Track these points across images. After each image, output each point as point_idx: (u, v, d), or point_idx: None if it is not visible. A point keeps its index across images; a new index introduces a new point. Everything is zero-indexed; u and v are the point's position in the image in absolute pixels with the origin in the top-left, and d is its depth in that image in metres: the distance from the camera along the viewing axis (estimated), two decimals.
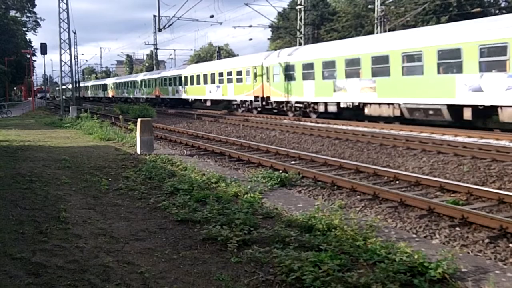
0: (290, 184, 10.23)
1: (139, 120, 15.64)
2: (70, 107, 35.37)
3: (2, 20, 60.82)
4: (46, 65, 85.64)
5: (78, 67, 72.71)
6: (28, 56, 62.02)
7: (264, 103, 33.47)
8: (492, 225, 7.07)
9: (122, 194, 9.09)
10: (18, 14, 71.51)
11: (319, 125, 24.67)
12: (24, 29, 73.01)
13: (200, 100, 44.82)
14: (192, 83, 45.28)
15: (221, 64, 41.92)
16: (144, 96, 59.09)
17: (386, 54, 22.98)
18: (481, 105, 18.57)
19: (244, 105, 36.47)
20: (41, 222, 7.08)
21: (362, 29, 52.52)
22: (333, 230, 6.15)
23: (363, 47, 24.89)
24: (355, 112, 26.46)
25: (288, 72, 30.38)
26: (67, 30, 37.76)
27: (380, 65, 23.26)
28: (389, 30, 37.94)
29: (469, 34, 18.98)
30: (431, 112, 20.94)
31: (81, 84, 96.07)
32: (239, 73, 36.59)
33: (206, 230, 6.38)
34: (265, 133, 21.86)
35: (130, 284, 4.83)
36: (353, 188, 9.79)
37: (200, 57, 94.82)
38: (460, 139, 17.19)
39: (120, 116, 26.38)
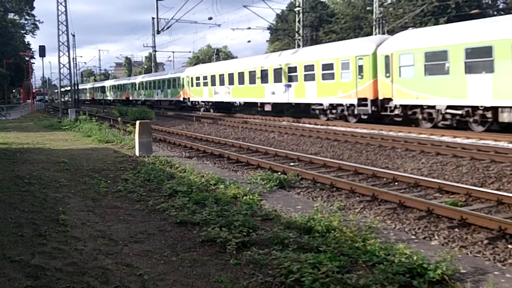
0: (289, 186, 10.24)
1: (138, 122, 15.62)
2: (69, 110, 35.34)
3: (1, 22, 60.78)
4: (44, 68, 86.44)
5: (76, 70, 72.65)
6: (27, 58, 61.91)
7: (375, 107, 23.73)
8: (491, 226, 7.08)
9: (121, 196, 9.09)
10: (16, 17, 71.50)
11: (318, 126, 24.69)
12: (22, 31, 73.01)
13: (255, 103, 34.95)
14: (241, 82, 35.79)
15: (294, 56, 30.44)
16: (170, 99, 51.46)
17: None
18: None
19: (335, 111, 26.77)
20: (40, 224, 7.08)
21: (361, 31, 52.58)
22: (332, 231, 6.15)
23: None
24: None
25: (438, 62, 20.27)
26: (65, 32, 37.81)
27: None
28: (388, 32, 37.98)
29: None
30: None
31: (91, 85, 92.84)
32: (327, 66, 26.66)
33: (205, 232, 6.37)
34: (264, 135, 21.87)
35: (129, 286, 4.82)
36: (352, 189, 9.80)
37: (199, 59, 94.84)
38: (459, 140, 17.21)
39: (119, 118, 26.36)
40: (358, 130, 22.06)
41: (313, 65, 27.89)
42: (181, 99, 47.24)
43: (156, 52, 71.47)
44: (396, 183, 10.62)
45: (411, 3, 46.26)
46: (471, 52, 18.71)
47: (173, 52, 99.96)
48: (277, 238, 6.01)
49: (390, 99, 22.81)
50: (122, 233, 6.72)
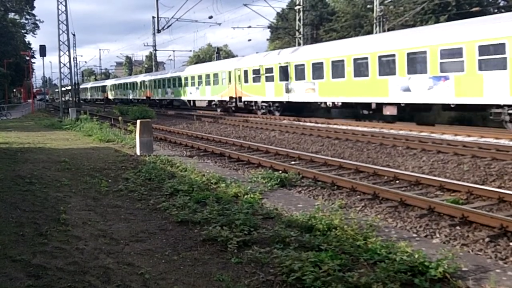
0: (290, 185, 10.23)
1: (138, 121, 15.63)
2: (70, 109, 35.35)
3: (1, 22, 60.84)
4: (45, 67, 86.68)
5: (77, 69, 72.65)
6: (27, 58, 61.96)
7: None
8: (493, 224, 7.07)
9: (122, 196, 9.09)
10: (17, 16, 71.54)
11: (319, 125, 24.67)
12: (23, 31, 73.10)
13: (363, 104, 24.87)
14: (337, 75, 25.90)
15: (455, 30, 20.05)
16: (208, 98, 41.73)
17: None
18: None
19: None
20: (41, 224, 7.07)
21: (361, 29, 52.53)
22: (333, 230, 6.15)
23: None
24: None
25: None
26: (66, 32, 37.80)
27: None
28: (388, 30, 37.94)
29: None
30: None
31: (101, 84, 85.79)
32: None
33: (206, 231, 6.37)
34: (265, 134, 21.87)
35: (130, 286, 4.82)
36: (353, 188, 9.79)
37: (199, 58, 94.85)
38: (460, 138, 17.20)
39: (120, 118, 26.35)
40: (359, 128, 22.05)
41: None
42: (226, 98, 37.98)
43: (157, 51, 71.50)
44: (397, 181, 10.61)
45: (411, 1, 46.18)
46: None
47: (174, 51, 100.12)
48: (278, 237, 6.01)
49: None
50: (123, 232, 6.72)
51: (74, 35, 67.02)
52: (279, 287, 4.76)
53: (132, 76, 76.14)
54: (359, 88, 24.37)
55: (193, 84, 44.42)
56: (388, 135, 18.36)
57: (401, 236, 6.28)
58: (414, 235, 6.73)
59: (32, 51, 70.59)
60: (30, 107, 54.23)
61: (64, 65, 38.69)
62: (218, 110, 39.93)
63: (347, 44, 26.75)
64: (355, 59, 24.70)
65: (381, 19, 40.17)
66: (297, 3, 44.61)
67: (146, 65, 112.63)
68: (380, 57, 23.16)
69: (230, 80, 37.29)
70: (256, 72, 33.54)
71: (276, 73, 31.39)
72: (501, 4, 49.07)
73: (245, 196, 8.42)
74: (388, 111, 23.04)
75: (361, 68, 24.36)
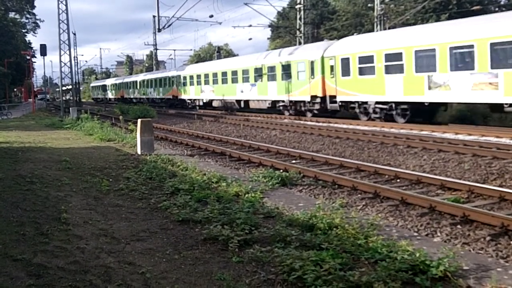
0: (291, 184, 10.22)
1: (139, 120, 15.64)
2: (71, 108, 35.35)
3: (2, 21, 60.87)
4: (46, 67, 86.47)
5: (78, 68, 72.60)
6: (28, 57, 62.00)
7: None
8: (494, 222, 7.06)
9: (123, 195, 9.09)
10: (17, 16, 71.51)
11: (320, 124, 24.65)
12: (23, 30, 73.07)
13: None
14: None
15: None
16: (273, 97, 32.41)
17: None
18: None
19: None
20: (42, 223, 7.08)
21: (362, 28, 52.50)
22: (334, 229, 6.15)
23: None
24: None
25: None
26: (66, 31, 37.75)
27: None
28: (389, 29, 37.92)
29: None
30: None
31: (118, 81, 75.16)
32: None
33: (207, 230, 6.37)
34: (266, 133, 21.86)
35: (131, 285, 4.82)
36: (354, 186, 9.78)
37: (200, 57, 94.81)
38: (460, 137, 17.18)
39: (121, 117, 26.36)
40: (360, 127, 22.04)
41: None
42: (305, 98, 28.72)
43: (157, 51, 71.32)
44: (398, 180, 10.60)
45: (412, 0, 46.15)
46: None
47: (174, 50, 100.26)
48: (279, 236, 6.01)
49: None
50: (124, 231, 6.72)
51: (74, 34, 67.07)
52: (280, 286, 4.76)
53: (159, 72, 61.03)
54: None
55: (245, 79, 35.08)
56: (389, 134, 18.35)
57: (402, 235, 6.28)
58: (415, 234, 6.72)
59: (32, 51, 70.56)
60: (30, 106, 54.24)
61: (65, 64, 38.66)
62: (286, 113, 30.95)
63: None
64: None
65: (382, 18, 40.13)
66: (298, 2, 44.57)
67: (146, 64, 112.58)
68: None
69: (312, 73, 27.96)
70: (367, 60, 24.30)
71: (406, 62, 21.82)
72: (502, 3, 49.01)
73: (246, 195, 8.42)
74: None
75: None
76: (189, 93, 45.67)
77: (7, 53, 59.72)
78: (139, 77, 63.85)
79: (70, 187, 9.80)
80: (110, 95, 76.93)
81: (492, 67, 18.20)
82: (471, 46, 18.96)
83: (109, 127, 22.88)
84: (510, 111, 18.33)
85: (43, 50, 40.97)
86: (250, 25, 49.87)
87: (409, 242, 5.43)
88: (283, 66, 31.01)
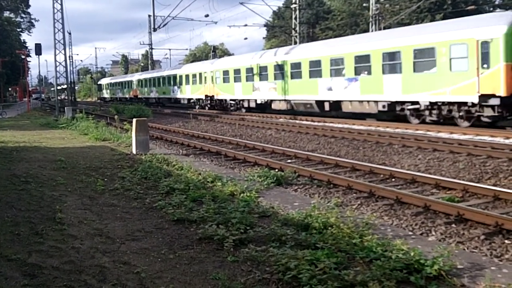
0: (286, 183, 10.23)
1: (134, 120, 15.61)
2: (65, 108, 35.27)
3: None
4: (41, 66, 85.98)
5: (73, 68, 72.43)
6: (23, 57, 61.87)
7: None
8: (488, 221, 7.09)
9: (118, 194, 9.07)
10: (12, 15, 71.25)
11: (315, 123, 24.68)
12: (18, 29, 72.78)
13: None
14: None
15: None
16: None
17: None
18: None
19: None
20: (37, 223, 7.06)
21: (357, 28, 52.57)
22: (329, 228, 6.15)
23: None
24: None
25: None
26: (61, 30, 37.65)
27: None
28: (384, 28, 37.98)
29: None
30: None
31: (131, 78, 66.43)
32: None
33: (202, 230, 6.37)
34: (261, 132, 21.86)
35: (126, 284, 4.82)
36: (349, 186, 9.80)
37: (196, 56, 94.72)
38: (455, 136, 17.23)
39: (116, 116, 26.31)
40: (355, 126, 22.07)
41: None
42: (470, 98, 18.81)
43: (153, 50, 71.32)
44: (393, 179, 10.63)
45: (407, 0, 46.26)
46: None
47: (170, 49, 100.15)
48: (275, 235, 6.01)
49: None
50: (119, 231, 6.71)
51: (70, 33, 66.70)
52: (275, 286, 4.76)
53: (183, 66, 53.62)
54: None
55: (336, 73, 25.86)
56: (384, 133, 18.38)
57: (397, 234, 6.30)
58: (410, 233, 6.74)
59: (27, 50, 70.36)
60: (25, 106, 54.09)
61: (60, 63, 38.57)
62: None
63: None
64: None
65: (377, 17, 40.19)
66: (293, 1, 44.60)
67: (142, 64, 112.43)
68: None
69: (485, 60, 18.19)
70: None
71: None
72: (496, 3, 49.19)
73: (241, 195, 8.42)
74: None
75: None
76: (232, 92, 36.26)
77: (1, 53, 59.50)
78: (159, 73, 54.85)
79: (65, 186, 9.77)
80: (120, 94, 69.42)
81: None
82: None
83: (104, 126, 22.85)
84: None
85: (38, 49, 40.89)
86: (246, 25, 49.94)
87: (404, 241, 5.44)
88: (425, 50, 20.73)
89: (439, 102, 20.31)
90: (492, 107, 18.29)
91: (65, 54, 38.81)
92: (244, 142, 17.39)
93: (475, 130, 18.12)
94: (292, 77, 29.28)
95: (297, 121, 26.42)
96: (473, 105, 18.94)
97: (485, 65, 18.15)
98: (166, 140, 19.69)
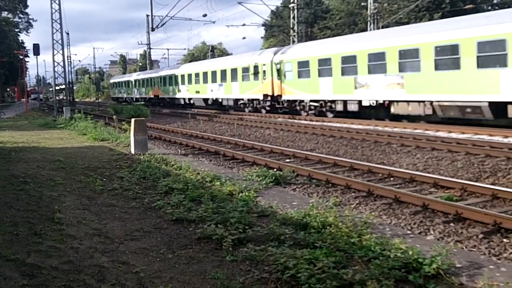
0: (284, 182, 10.24)
1: (133, 120, 15.60)
2: (64, 108, 35.25)
3: None
4: (39, 66, 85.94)
5: (71, 68, 72.33)
6: (21, 57, 61.72)
7: None
8: (486, 220, 7.11)
9: (117, 194, 9.07)
10: (10, 15, 71.12)
11: (314, 123, 24.68)
12: (16, 30, 72.62)
13: None
14: None
15: None
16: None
17: None
18: None
19: None
20: (36, 223, 7.06)
21: (356, 27, 52.59)
22: (328, 227, 6.16)
23: None
24: None
25: None
26: (59, 30, 37.64)
27: None
28: (383, 28, 38.00)
29: None
30: None
31: (151, 75, 55.90)
32: None
33: (201, 229, 6.37)
34: (260, 132, 21.86)
35: (125, 284, 4.82)
36: (347, 185, 9.81)
37: (194, 56, 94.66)
38: (454, 135, 17.25)
39: (114, 116, 26.30)
40: (354, 126, 22.09)
41: None
42: None
43: (151, 50, 71.23)
44: (391, 179, 10.64)
45: None
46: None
47: (168, 49, 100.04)
48: (273, 235, 6.02)
49: None
50: (118, 231, 6.71)
51: (68, 33, 66.86)
52: (273, 285, 4.77)
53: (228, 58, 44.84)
54: None
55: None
56: (382, 132, 18.39)
57: (395, 233, 6.31)
58: (408, 232, 6.75)
59: (25, 50, 70.17)
60: (24, 106, 54.03)
61: (58, 64, 38.55)
62: None
63: None
64: None
65: (375, 16, 40.21)
66: (291, 1, 44.60)
67: (140, 64, 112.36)
68: None
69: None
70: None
71: None
72: (494, 1, 49.23)
73: (240, 194, 8.42)
74: None
75: None
76: (315, 90, 27.48)
77: (0, 53, 59.39)
78: (191, 68, 45.43)
79: (64, 187, 9.77)
80: (137, 93, 59.86)
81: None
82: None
83: (102, 126, 22.84)
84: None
85: (36, 49, 40.85)
86: (244, 24, 49.98)
87: (402, 240, 5.45)
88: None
89: None
90: None
91: (63, 54, 38.81)
92: (242, 142, 17.39)
93: (474, 129, 18.14)
94: (438, 68, 20.12)
95: (296, 121, 26.42)
96: None
97: None
98: (164, 140, 19.69)
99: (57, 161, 12.86)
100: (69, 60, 66.10)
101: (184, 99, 46.60)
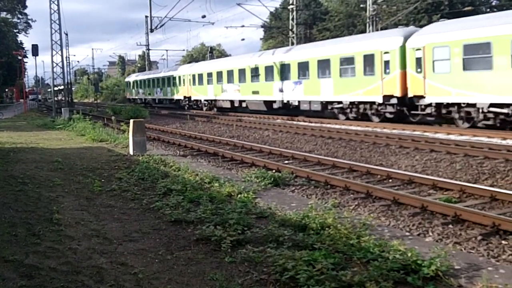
0: (283, 184, 10.24)
1: (131, 121, 15.59)
2: (62, 109, 35.21)
3: None
4: (37, 67, 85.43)
5: (70, 68, 72.24)
6: (20, 57, 61.62)
7: None
8: (485, 222, 7.11)
9: (115, 195, 9.06)
10: (9, 16, 71.08)
11: (312, 124, 24.69)
12: (15, 30, 72.58)
13: None
14: None
15: None
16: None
17: None
18: None
19: None
20: (34, 224, 7.05)
21: (354, 28, 52.64)
22: (326, 229, 6.16)
23: None
24: None
25: None
26: (58, 31, 37.60)
27: None
28: (381, 29, 38.04)
29: None
30: None
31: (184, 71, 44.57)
32: None
33: (199, 231, 6.37)
34: (258, 133, 21.86)
35: (123, 285, 4.81)
36: (346, 187, 9.81)
37: (193, 57, 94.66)
38: (452, 137, 17.26)
39: (113, 117, 26.28)
40: (352, 127, 22.09)
41: None
42: None
43: (150, 51, 71.21)
44: (390, 180, 10.64)
45: (404, 1, 46.34)
46: None
47: (167, 50, 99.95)
48: (272, 236, 6.02)
49: None
50: (116, 232, 6.70)
51: (66, 34, 66.66)
52: (272, 286, 4.77)
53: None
54: None
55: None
56: (381, 134, 18.40)
57: (394, 234, 6.31)
58: (407, 233, 6.75)
59: (24, 51, 70.11)
60: (22, 107, 53.97)
61: (57, 64, 38.50)
62: None
63: None
64: None
65: (374, 18, 40.24)
66: (290, 2, 44.61)
67: (139, 65, 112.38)
68: None
69: None
70: None
71: None
72: (493, 4, 49.33)
73: (239, 196, 8.42)
74: None
75: None
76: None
77: None
78: (245, 61, 34.48)
79: (62, 187, 9.76)
80: (161, 94, 50.11)
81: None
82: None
83: (101, 127, 22.80)
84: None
85: (35, 50, 40.82)
86: (243, 26, 49.80)
87: (401, 242, 5.45)
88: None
89: None
90: None
91: (62, 55, 38.77)
92: (241, 143, 17.39)
93: (472, 131, 18.15)
94: None
95: (294, 122, 26.41)
96: None
97: None
98: (163, 141, 19.67)
99: (56, 162, 12.85)
100: (67, 61, 65.99)
101: (231, 101, 36.00)
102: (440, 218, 7.66)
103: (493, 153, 13.00)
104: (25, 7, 71.47)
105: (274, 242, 5.87)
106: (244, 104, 34.73)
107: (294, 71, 28.92)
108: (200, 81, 40.61)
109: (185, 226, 6.86)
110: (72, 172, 11.54)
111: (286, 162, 13.41)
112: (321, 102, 26.83)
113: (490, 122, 18.39)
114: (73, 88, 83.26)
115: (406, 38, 21.80)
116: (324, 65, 26.50)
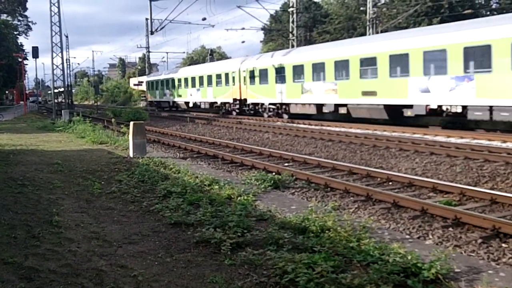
0: (283, 186, 10.23)
1: (131, 123, 15.58)
2: (63, 111, 35.23)
3: None
4: (38, 69, 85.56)
5: (70, 71, 72.30)
6: (20, 60, 61.66)
7: None
8: (485, 225, 7.11)
9: (115, 198, 9.05)
10: (9, 18, 71.13)
11: (312, 127, 24.70)
12: (15, 32, 72.62)
13: None
14: None
15: None
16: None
17: None
18: None
19: None
20: (34, 226, 7.04)
21: (354, 31, 52.69)
22: (326, 231, 6.15)
23: None
24: None
25: None
26: (58, 33, 37.66)
27: None
28: (381, 32, 38.07)
29: None
30: None
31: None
32: None
33: (199, 233, 6.36)
34: (258, 136, 21.86)
35: None
36: (346, 189, 9.81)
37: (193, 59, 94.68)
38: (452, 140, 17.26)
39: (113, 119, 26.28)
40: (352, 130, 22.09)
41: None
42: None
43: (150, 53, 71.19)
44: (390, 183, 10.64)
45: (404, 4, 46.39)
46: None
47: (167, 53, 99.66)
48: (272, 239, 6.00)
49: None
50: (116, 234, 6.69)
51: (67, 36, 66.73)
52: None
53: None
54: None
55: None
56: (381, 137, 18.41)
57: (394, 237, 6.30)
58: (407, 236, 6.74)
59: (24, 53, 70.15)
60: (22, 109, 53.98)
61: (57, 66, 38.56)
62: None
63: None
64: None
65: (374, 21, 40.28)
66: (291, 5, 44.65)
67: (139, 67, 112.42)
68: None
69: None
70: None
71: None
72: (493, 7, 49.38)
73: (239, 198, 8.41)
74: None
75: None
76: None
77: None
78: (327, 52, 26.53)
79: (62, 190, 9.75)
80: (200, 96, 41.49)
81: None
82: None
83: (101, 129, 22.80)
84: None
85: (35, 52, 40.84)
86: (243, 28, 50.03)
87: (401, 245, 5.44)
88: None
89: None
90: None
91: (62, 57, 38.84)
92: (241, 146, 17.39)
93: (472, 133, 18.16)
94: None
95: (294, 125, 26.43)
96: None
97: None
98: (163, 144, 19.68)
99: (56, 164, 12.84)
100: (68, 63, 66.10)
101: (319, 105, 26.96)
102: (440, 221, 7.66)
103: (493, 156, 13.01)
104: (25, 9, 71.66)
105: (274, 244, 5.85)
106: (343, 110, 25.19)
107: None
108: (264, 79, 32.11)
109: (185, 229, 6.85)
110: (72, 174, 11.53)
111: (286, 164, 13.41)
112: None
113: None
114: (73, 90, 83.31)
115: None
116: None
